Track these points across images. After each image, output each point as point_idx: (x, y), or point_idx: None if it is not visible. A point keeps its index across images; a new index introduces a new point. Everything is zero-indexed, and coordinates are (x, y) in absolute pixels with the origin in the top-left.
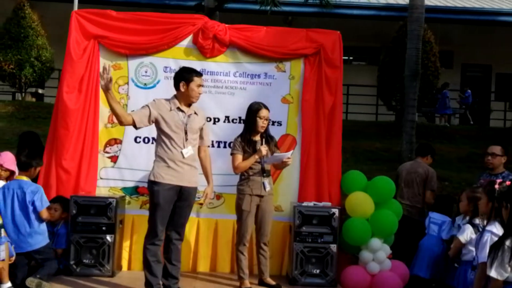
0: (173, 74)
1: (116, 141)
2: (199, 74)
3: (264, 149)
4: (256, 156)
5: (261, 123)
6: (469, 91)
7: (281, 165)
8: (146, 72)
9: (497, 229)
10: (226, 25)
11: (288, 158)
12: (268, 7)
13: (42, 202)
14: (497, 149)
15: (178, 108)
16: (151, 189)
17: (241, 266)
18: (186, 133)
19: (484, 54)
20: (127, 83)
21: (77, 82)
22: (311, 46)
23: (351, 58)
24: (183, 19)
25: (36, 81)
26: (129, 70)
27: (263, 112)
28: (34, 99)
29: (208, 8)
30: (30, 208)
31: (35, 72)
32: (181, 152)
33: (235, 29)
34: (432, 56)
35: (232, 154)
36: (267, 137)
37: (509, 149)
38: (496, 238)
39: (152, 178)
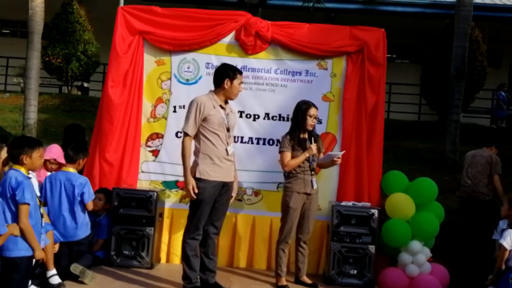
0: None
1: (158, 136)
2: (240, 72)
3: (314, 147)
4: (307, 154)
5: (311, 121)
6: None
7: (329, 164)
8: (188, 68)
9: None
10: (269, 22)
11: (339, 158)
12: (311, 4)
13: (90, 194)
14: None
15: (220, 106)
16: (196, 186)
17: (280, 263)
18: (228, 130)
19: None
20: (170, 79)
21: (121, 77)
22: (354, 43)
23: (394, 56)
24: (226, 16)
25: (82, 75)
26: (172, 66)
27: (313, 111)
28: (79, 93)
29: (251, 4)
30: (78, 199)
31: (81, 66)
32: (226, 149)
33: (277, 26)
34: (479, 56)
35: (281, 151)
36: (315, 135)
37: None
38: None
39: (198, 175)
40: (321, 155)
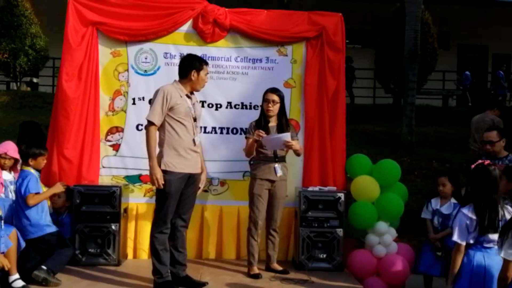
0: (173, 60)
1: (118, 129)
2: (207, 63)
3: (261, 132)
4: (256, 138)
5: (266, 106)
6: (468, 72)
7: (286, 149)
8: (146, 58)
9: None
10: (226, 9)
11: (287, 141)
12: None
13: (28, 188)
14: (493, 135)
15: (187, 95)
16: (164, 178)
17: (252, 252)
18: (195, 120)
19: (480, 35)
20: (127, 70)
21: (76, 70)
22: (313, 29)
23: (347, 41)
24: (182, 4)
25: (30, 70)
26: (129, 57)
27: (268, 95)
28: (29, 89)
29: None
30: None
31: (30, 61)
32: (193, 140)
33: (235, 13)
34: (430, 38)
35: (246, 137)
36: (283, 123)
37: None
38: (467, 220)
39: (163, 168)
40: (297, 144)
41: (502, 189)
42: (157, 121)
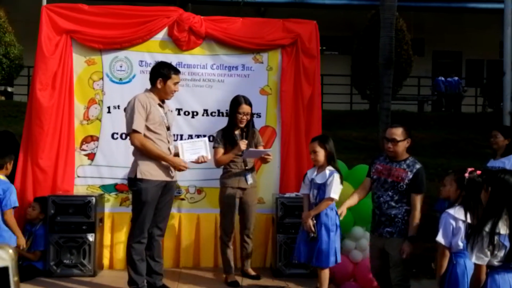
0: (149, 68)
1: (93, 138)
2: (177, 71)
3: (243, 144)
4: (236, 152)
5: (240, 118)
6: (441, 78)
7: (262, 160)
8: (121, 66)
9: (454, 212)
10: (202, 17)
11: (267, 155)
12: None
13: (10, 201)
14: (398, 133)
15: (159, 104)
16: (138, 187)
17: (227, 259)
18: (168, 129)
19: (454, 41)
20: (102, 79)
21: (50, 79)
22: (288, 36)
23: (324, 48)
24: (157, 12)
25: (4, 79)
26: (104, 65)
27: (243, 108)
28: (3, 98)
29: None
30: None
31: (4, 70)
32: (168, 148)
33: (210, 21)
34: (404, 44)
35: (213, 147)
36: (248, 131)
37: (483, 134)
38: (452, 221)
39: (139, 176)
40: (261, 149)
41: (452, 195)
42: (142, 129)
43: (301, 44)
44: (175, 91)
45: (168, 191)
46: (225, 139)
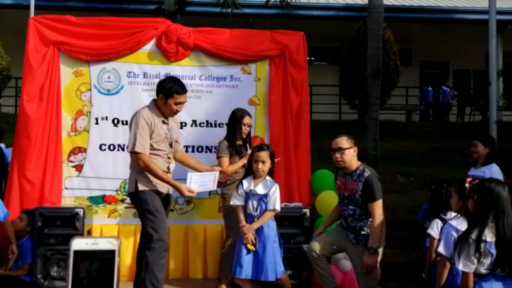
0: (137, 79)
1: (81, 150)
2: (181, 91)
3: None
4: (245, 161)
5: (244, 130)
6: (429, 88)
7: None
8: (109, 77)
9: (457, 223)
10: (190, 28)
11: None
12: (229, 10)
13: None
14: (342, 141)
15: (163, 121)
16: (143, 198)
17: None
18: (171, 146)
19: (441, 51)
20: (90, 90)
21: (37, 90)
22: (275, 47)
23: (312, 58)
24: (145, 23)
25: None
26: (91, 77)
27: (246, 119)
28: None
29: (169, 11)
30: None
31: None
32: (168, 167)
33: (199, 32)
34: (392, 55)
35: (219, 157)
36: (250, 142)
37: (470, 143)
38: (454, 232)
39: (141, 188)
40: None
41: (453, 206)
42: (145, 149)
43: (289, 55)
44: (177, 111)
45: (169, 202)
46: (232, 149)
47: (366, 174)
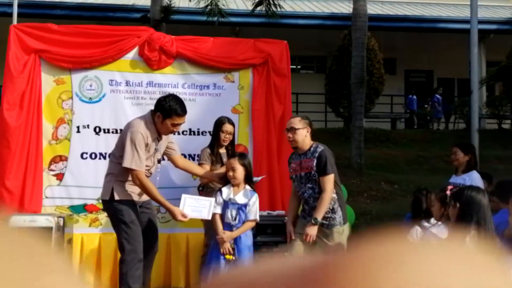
0: (119, 87)
1: (61, 158)
2: (180, 113)
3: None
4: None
5: (223, 137)
6: (413, 96)
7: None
8: (91, 86)
9: (437, 231)
10: (173, 36)
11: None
12: (215, 18)
13: None
14: (295, 122)
15: (157, 138)
16: (118, 208)
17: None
18: (159, 162)
19: (425, 60)
20: (71, 98)
21: (18, 99)
22: (259, 56)
23: (299, 66)
24: (127, 31)
25: None
26: (73, 85)
27: (226, 127)
28: None
29: (154, 20)
30: None
31: None
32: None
33: (182, 40)
34: (376, 63)
35: (200, 164)
36: (233, 150)
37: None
38: (433, 239)
39: (117, 198)
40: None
41: (435, 214)
42: (143, 167)
43: (272, 63)
44: (173, 131)
45: (143, 211)
46: (213, 156)
47: (319, 149)
